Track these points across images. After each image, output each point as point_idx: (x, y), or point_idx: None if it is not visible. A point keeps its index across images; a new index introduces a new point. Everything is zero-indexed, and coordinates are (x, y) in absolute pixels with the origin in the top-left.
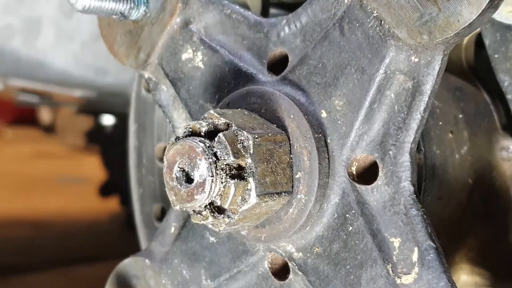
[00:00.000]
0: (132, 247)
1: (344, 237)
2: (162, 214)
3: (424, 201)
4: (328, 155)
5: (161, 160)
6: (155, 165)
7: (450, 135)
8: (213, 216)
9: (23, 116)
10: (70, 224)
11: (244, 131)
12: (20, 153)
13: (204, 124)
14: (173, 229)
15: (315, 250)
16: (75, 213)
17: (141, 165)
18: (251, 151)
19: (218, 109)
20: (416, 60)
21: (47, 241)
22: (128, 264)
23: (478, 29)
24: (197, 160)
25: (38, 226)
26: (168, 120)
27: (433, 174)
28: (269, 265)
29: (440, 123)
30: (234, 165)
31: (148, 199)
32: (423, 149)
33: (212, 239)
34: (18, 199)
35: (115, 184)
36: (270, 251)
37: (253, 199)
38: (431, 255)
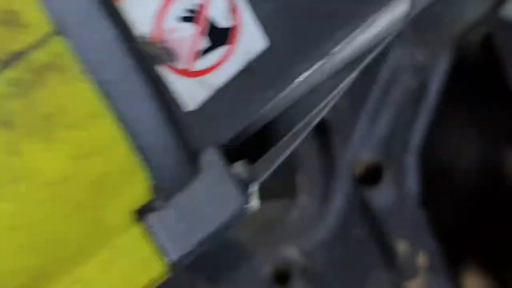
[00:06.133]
0: None
1: (348, 241)
2: None
3: (429, 203)
4: (331, 156)
5: None
6: None
7: (457, 137)
8: None
9: None
10: None
11: None
12: None
13: None
14: None
15: (318, 254)
16: None
17: None
18: None
19: None
20: (422, 58)
21: None
22: None
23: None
24: None
25: None
26: None
27: (439, 178)
28: (271, 270)
29: (445, 123)
30: None
31: None
32: (429, 151)
33: None
34: None
35: None
36: (272, 256)
37: (254, 202)
38: (437, 259)
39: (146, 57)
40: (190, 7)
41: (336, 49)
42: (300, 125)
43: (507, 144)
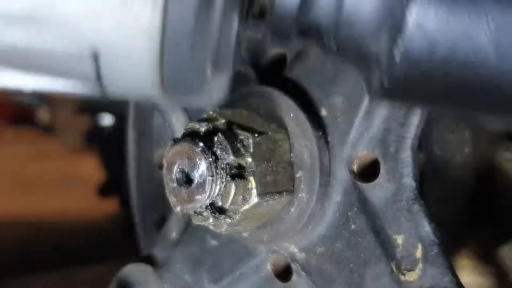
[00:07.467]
0: (131, 248)
1: (347, 235)
2: (163, 221)
3: (425, 197)
4: (328, 153)
5: (161, 167)
6: (154, 173)
7: (452, 135)
8: (214, 216)
9: (22, 116)
10: (69, 225)
11: (244, 131)
12: (18, 154)
13: (203, 124)
14: (174, 234)
15: (318, 250)
16: (74, 214)
17: (141, 172)
18: (251, 150)
19: (217, 109)
20: None
21: (45, 242)
22: (130, 271)
23: None
24: (197, 160)
25: (36, 227)
26: (167, 124)
27: (434, 175)
28: (272, 267)
29: (442, 123)
30: (234, 165)
31: (149, 206)
32: (424, 149)
33: (213, 242)
34: (17, 199)
35: (114, 184)
36: (273, 252)
37: (254, 198)
38: (435, 251)
39: None
40: None
41: None
42: None
43: (501, 141)
